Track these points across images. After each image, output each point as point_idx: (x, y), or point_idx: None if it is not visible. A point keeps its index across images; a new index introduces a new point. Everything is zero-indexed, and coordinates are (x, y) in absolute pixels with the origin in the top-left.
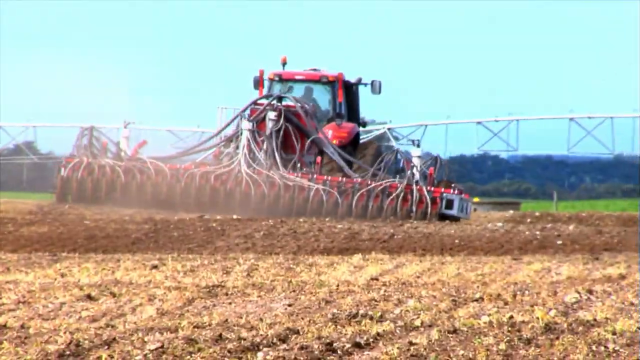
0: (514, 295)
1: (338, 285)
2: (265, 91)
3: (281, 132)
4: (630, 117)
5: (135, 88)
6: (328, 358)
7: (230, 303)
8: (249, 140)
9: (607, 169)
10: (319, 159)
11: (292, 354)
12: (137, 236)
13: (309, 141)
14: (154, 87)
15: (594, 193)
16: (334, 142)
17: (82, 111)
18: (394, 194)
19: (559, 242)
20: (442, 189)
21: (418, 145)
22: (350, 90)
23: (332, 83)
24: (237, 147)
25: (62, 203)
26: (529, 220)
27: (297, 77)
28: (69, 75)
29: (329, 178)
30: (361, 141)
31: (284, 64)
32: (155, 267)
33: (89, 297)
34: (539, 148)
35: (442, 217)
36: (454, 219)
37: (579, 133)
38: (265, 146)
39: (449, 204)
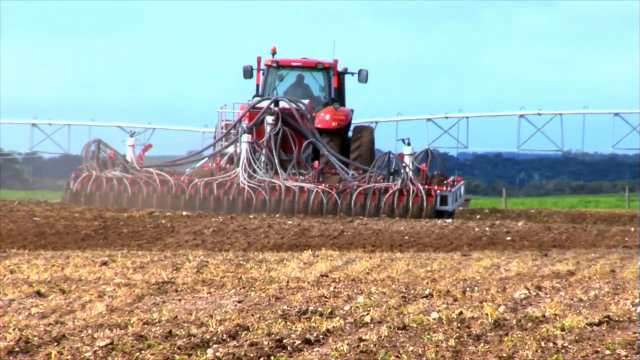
0: (464, 292)
1: (288, 282)
2: (261, 78)
3: (279, 135)
4: (580, 114)
5: (81, 83)
6: (278, 354)
7: (180, 300)
8: (248, 153)
9: (556, 166)
10: (316, 163)
11: (242, 350)
12: (87, 233)
13: (306, 142)
14: (102, 82)
15: (542, 190)
16: (333, 124)
17: (27, 107)
18: (390, 192)
19: (508, 238)
20: (436, 186)
21: (409, 144)
22: (338, 79)
23: (327, 69)
24: (238, 154)
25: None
26: (478, 216)
27: (294, 64)
28: (12, 70)
29: (327, 185)
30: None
31: (274, 53)
32: (104, 263)
33: (39, 294)
34: (489, 145)
35: (438, 214)
36: (450, 215)
37: (529, 130)
38: (264, 154)
39: (443, 200)
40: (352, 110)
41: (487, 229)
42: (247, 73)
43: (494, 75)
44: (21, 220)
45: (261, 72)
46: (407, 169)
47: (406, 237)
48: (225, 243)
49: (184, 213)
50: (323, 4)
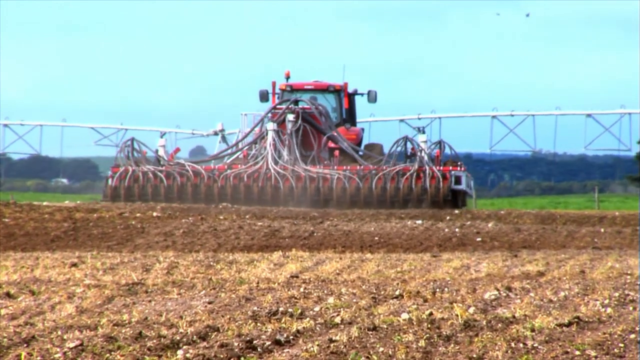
0: (434, 293)
1: (258, 283)
2: (277, 101)
3: (300, 132)
4: (552, 115)
5: (53, 83)
6: (248, 355)
7: (150, 301)
8: (274, 140)
9: (526, 167)
10: (336, 152)
11: (212, 351)
12: (57, 234)
13: (325, 138)
14: (74, 83)
15: (512, 191)
16: (345, 144)
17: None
18: (407, 174)
19: (478, 239)
20: (450, 167)
21: (423, 132)
22: (349, 100)
23: (338, 92)
24: (262, 148)
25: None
26: (448, 217)
27: (306, 87)
28: None
29: (348, 167)
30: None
31: (288, 77)
32: (74, 265)
33: (8, 295)
34: (462, 146)
35: (453, 193)
36: (463, 196)
37: (501, 131)
38: (287, 143)
39: (457, 180)
40: (362, 130)
41: (457, 230)
42: (264, 97)
43: (467, 77)
44: None
45: (276, 95)
46: (423, 153)
47: (376, 238)
48: (195, 244)
49: (155, 214)
50: (292, 4)
